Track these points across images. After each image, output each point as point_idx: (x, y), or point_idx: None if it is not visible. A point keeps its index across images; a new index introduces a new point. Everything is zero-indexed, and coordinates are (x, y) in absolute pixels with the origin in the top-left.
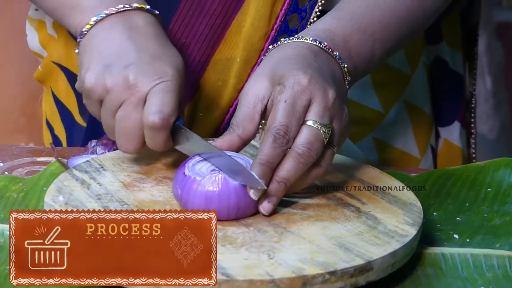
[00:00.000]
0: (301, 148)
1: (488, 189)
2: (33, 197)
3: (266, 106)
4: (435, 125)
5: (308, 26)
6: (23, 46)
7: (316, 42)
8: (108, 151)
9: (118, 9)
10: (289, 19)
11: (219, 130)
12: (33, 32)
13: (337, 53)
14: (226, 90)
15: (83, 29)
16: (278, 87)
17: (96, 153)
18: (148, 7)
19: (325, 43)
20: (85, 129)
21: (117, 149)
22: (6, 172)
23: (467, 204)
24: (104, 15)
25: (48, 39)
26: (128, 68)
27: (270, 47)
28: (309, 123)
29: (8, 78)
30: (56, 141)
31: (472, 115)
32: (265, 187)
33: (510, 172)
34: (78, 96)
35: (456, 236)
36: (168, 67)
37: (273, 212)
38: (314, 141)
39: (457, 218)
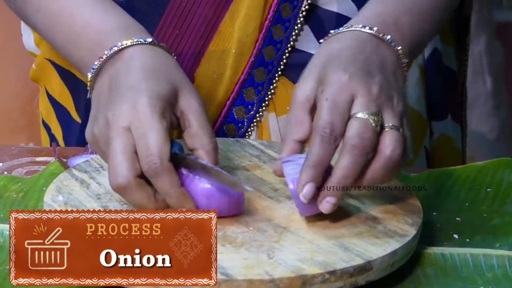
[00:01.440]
0: (353, 140)
1: (488, 189)
2: (32, 197)
3: (314, 105)
4: (430, 124)
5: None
6: (23, 46)
7: (365, 29)
8: None
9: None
10: (282, 8)
11: (216, 124)
12: (28, 31)
13: (388, 37)
14: (222, 83)
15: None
16: (320, 88)
17: (96, 153)
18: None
19: (375, 28)
20: (80, 126)
21: None
22: (5, 172)
23: (466, 204)
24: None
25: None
26: (107, 109)
27: (321, 40)
28: (356, 115)
29: (8, 78)
30: (53, 140)
31: (464, 106)
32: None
33: (510, 172)
34: (73, 92)
35: (455, 236)
36: (144, 96)
37: (274, 213)
38: (364, 130)
39: (457, 218)
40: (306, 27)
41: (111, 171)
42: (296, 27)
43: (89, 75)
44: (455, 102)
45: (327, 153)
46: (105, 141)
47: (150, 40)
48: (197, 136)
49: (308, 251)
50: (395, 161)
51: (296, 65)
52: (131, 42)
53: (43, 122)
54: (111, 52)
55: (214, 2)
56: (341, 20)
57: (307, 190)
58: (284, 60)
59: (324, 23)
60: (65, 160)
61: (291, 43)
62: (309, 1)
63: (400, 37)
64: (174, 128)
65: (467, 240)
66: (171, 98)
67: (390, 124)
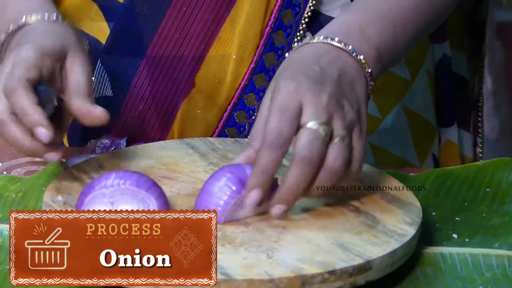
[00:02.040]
0: (302, 151)
1: (487, 189)
2: (32, 196)
3: None
4: (439, 132)
5: (303, 22)
6: None
7: (327, 40)
8: (107, 151)
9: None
10: (283, 14)
11: (217, 127)
12: None
13: (350, 47)
14: (222, 88)
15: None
16: (271, 96)
17: (95, 153)
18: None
19: (336, 39)
20: (82, 126)
21: (116, 148)
22: (4, 172)
23: (466, 204)
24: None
25: None
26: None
27: (286, 54)
28: (307, 125)
29: None
30: None
31: (480, 114)
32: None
33: (509, 172)
34: None
35: (455, 235)
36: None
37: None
38: (313, 141)
39: (456, 218)
40: (308, 34)
41: None
42: (298, 34)
43: None
44: (463, 110)
45: (273, 160)
46: None
47: (54, 17)
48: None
49: (307, 251)
50: (337, 173)
51: None
52: (34, 19)
53: None
54: (16, 27)
55: (215, 7)
56: None
57: (253, 195)
58: (304, 45)
59: None
60: (64, 160)
61: (293, 49)
62: (311, 8)
63: (366, 46)
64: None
65: (467, 240)
66: (55, 54)
67: (337, 135)
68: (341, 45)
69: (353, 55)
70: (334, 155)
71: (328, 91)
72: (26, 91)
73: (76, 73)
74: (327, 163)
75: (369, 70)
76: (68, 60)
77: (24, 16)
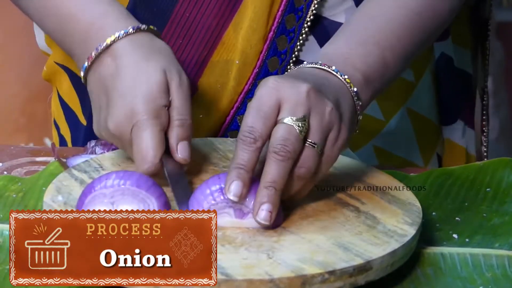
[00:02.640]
0: (275, 146)
1: (487, 189)
2: (32, 197)
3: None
4: (442, 131)
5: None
6: (23, 46)
7: (310, 64)
8: (107, 151)
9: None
10: (286, 19)
11: (219, 131)
12: (40, 31)
13: (333, 67)
14: (225, 93)
15: (81, 75)
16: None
17: (95, 153)
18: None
19: (320, 62)
20: (85, 128)
21: (115, 148)
22: (5, 172)
23: (466, 204)
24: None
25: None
26: (106, 120)
27: (288, 70)
28: (281, 120)
29: (8, 78)
30: (62, 140)
31: (484, 112)
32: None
33: (509, 172)
34: (81, 95)
35: (455, 235)
36: (140, 102)
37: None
38: (287, 136)
39: (456, 218)
40: (311, 38)
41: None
42: (301, 37)
43: (82, 73)
44: (467, 106)
45: (247, 155)
46: (124, 140)
47: (131, 28)
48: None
49: (307, 251)
50: (300, 179)
51: None
52: (114, 38)
53: (54, 122)
54: (98, 51)
55: (218, 13)
56: None
57: (234, 187)
58: (289, 71)
59: (330, 34)
60: (64, 160)
61: (296, 53)
62: (314, 12)
63: (351, 70)
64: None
65: (467, 240)
66: (163, 88)
67: (311, 139)
68: (324, 67)
69: (337, 74)
70: (302, 161)
71: (308, 85)
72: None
73: (179, 100)
74: (297, 166)
75: (355, 89)
76: (172, 87)
77: (104, 42)
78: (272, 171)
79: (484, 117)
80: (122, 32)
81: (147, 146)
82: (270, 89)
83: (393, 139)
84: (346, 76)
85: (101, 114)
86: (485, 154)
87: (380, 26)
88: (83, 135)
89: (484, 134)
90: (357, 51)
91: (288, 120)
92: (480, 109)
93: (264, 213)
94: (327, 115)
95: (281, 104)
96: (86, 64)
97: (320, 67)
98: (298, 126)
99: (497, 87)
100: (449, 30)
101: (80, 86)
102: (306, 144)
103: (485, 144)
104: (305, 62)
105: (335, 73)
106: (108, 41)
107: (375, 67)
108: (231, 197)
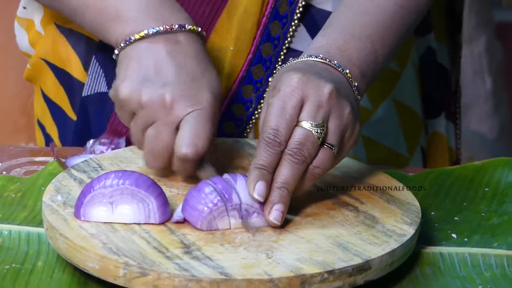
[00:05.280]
0: (291, 150)
1: (486, 189)
2: (31, 196)
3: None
4: (425, 124)
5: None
6: None
7: (311, 57)
8: (106, 150)
9: (169, 28)
10: (279, 4)
11: None
12: (22, 31)
13: (335, 62)
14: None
15: (128, 38)
16: (271, 92)
17: (95, 153)
18: (190, 26)
19: (321, 55)
20: (75, 123)
21: (115, 148)
22: (4, 172)
23: (465, 203)
24: (155, 31)
25: (36, 37)
26: (165, 87)
27: (270, 79)
28: (301, 124)
29: (8, 78)
30: (48, 140)
31: (457, 104)
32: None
33: (508, 171)
34: (68, 90)
35: (454, 235)
36: (206, 92)
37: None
38: (304, 141)
39: (455, 218)
40: (301, 26)
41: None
42: (293, 23)
43: (144, 32)
44: (449, 101)
45: (270, 157)
46: (150, 115)
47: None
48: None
49: (306, 251)
50: (315, 178)
51: None
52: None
53: (38, 122)
54: (170, 28)
55: (211, 0)
56: None
57: (259, 187)
58: (282, 57)
59: (318, 23)
60: (63, 160)
61: (287, 44)
62: None
63: (348, 64)
64: None
65: (466, 239)
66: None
67: (329, 142)
68: (327, 61)
69: (339, 69)
70: (318, 162)
71: (330, 86)
72: (195, 166)
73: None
74: (311, 167)
75: (356, 84)
76: None
77: (143, 30)
78: (286, 173)
79: (457, 110)
80: (191, 27)
81: (198, 130)
82: (294, 88)
83: (380, 128)
84: (347, 71)
85: (146, 81)
86: (458, 147)
87: (371, 19)
88: (73, 130)
89: (457, 127)
90: (352, 44)
91: (307, 125)
92: (454, 103)
93: (276, 213)
94: (346, 118)
95: (304, 103)
96: (149, 31)
97: (322, 60)
98: (317, 132)
99: (497, 87)
100: (431, 24)
101: (66, 80)
102: (324, 146)
103: (458, 137)
104: (305, 54)
105: (337, 68)
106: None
107: (367, 61)
108: (256, 197)
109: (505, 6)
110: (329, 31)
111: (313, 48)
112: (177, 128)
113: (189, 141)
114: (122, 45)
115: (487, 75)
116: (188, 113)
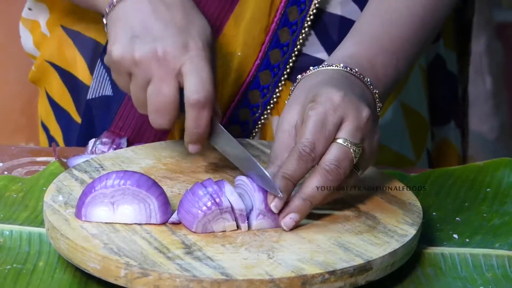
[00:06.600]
0: (328, 165)
1: (488, 189)
2: (32, 197)
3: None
4: (431, 128)
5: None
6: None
7: (347, 69)
8: (108, 151)
9: None
10: (289, 11)
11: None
12: (27, 33)
13: (368, 79)
14: (226, 85)
15: (112, 1)
16: (310, 104)
17: (96, 153)
18: None
19: (356, 69)
20: (80, 126)
21: (116, 148)
22: (5, 172)
23: (466, 204)
24: None
25: (42, 38)
26: (155, 41)
27: (299, 76)
28: (339, 141)
29: (8, 78)
30: (52, 142)
31: (465, 113)
32: (282, 195)
33: (509, 172)
34: (73, 93)
35: (455, 236)
36: (197, 40)
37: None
38: (343, 159)
39: (457, 218)
40: (311, 34)
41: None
42: (303, 31)
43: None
44: (457, 108)
45: (301, 170)
46: (145, 71)
47: None
48: None
49: (308, 251)
50: (337, 196)
51: (302, 69)
52: None
53: (42, 124)
54: None
55: (219, 4)
56: (344, 23)
57: (277, 202)
58: (291, 64)
59: (328, 28)
60: (65, 160)
61: (298, 47)
62: (316, 5)
63: (375, 80)
64: None
65: (467, 240)
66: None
67: (360, 165)
68: (360, 76)
69: (370, 87)
70: (352, 183)
71: (369, 110)
72: (211, 113)
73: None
74: (346, 189)
75: (380, 105)
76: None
77: None
78: (315, 186)
79: (465, 118)
80: None
81: (201, 74)
82: (337, 106)
83: (386, 131)
84: (376, 91)
85: (136, 38)
86: (465, 154)
87: (398, 33)
88: (77, 133)
89: (464, 133)
90: (380, 59)
91: (345, 141)
92: (462, 110)
93: (290, 221)
94: (375, 143)
95: (343, 123)
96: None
97: (357, 75)
98: (355, 151)
99: (497, 87)
100: (440, 32)
101: (71, 83)
102: (354, 170)
103: (466, 143)
104: (340, 63)
105: (368, 86)
106: None
107: (392, 77)
108: (273, 209)
109: (505, 6)
110: (358, 39)
111: (345, 56)
112: (176, 81)
113: (196, 87)
114: (107, 10)
115: (487, 75)
116: (185, 61)
